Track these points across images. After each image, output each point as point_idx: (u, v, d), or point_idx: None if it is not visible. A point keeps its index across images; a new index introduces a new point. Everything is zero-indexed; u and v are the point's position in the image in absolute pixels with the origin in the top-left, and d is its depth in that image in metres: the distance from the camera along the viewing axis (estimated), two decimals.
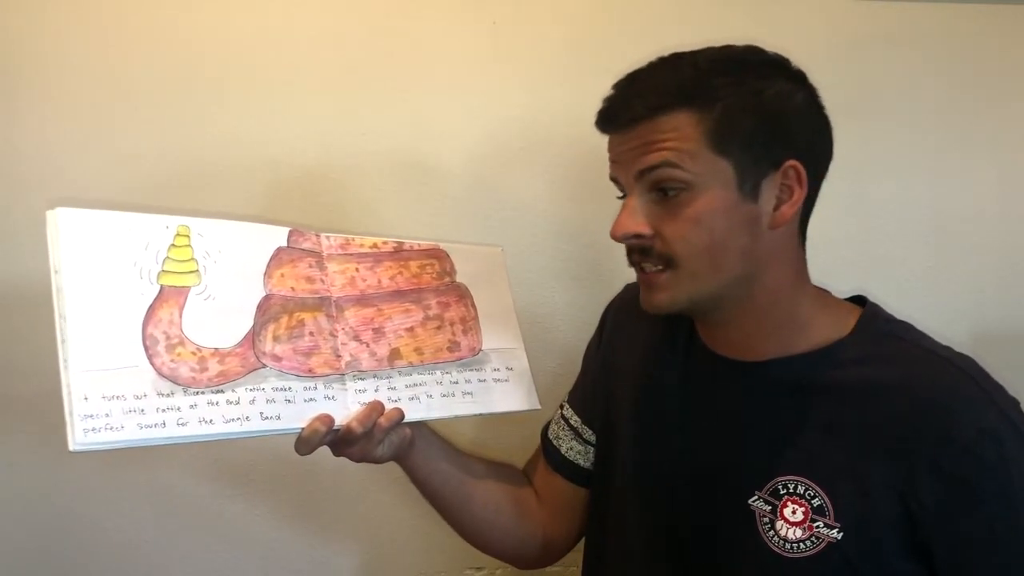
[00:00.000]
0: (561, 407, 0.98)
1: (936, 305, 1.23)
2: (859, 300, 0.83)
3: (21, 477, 1.13)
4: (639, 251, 0.77)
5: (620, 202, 0.82)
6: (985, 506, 0.69)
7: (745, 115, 0.73)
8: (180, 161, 1.11)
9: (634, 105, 0.75)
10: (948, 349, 0.76)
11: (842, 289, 0.85)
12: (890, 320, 0.80)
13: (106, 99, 1.09)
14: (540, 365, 0.90)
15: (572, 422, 0.96)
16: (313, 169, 1.13)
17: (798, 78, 0.78)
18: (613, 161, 0.79)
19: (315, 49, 1.12)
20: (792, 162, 0.75)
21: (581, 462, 0.95)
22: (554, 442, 0.96)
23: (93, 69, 1.09)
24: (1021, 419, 0.72)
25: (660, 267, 0.76)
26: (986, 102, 1.20)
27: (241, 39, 1.11)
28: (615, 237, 0.77)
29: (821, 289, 0.83)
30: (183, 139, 1.11)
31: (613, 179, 0.80)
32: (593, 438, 0.94)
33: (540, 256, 1.18)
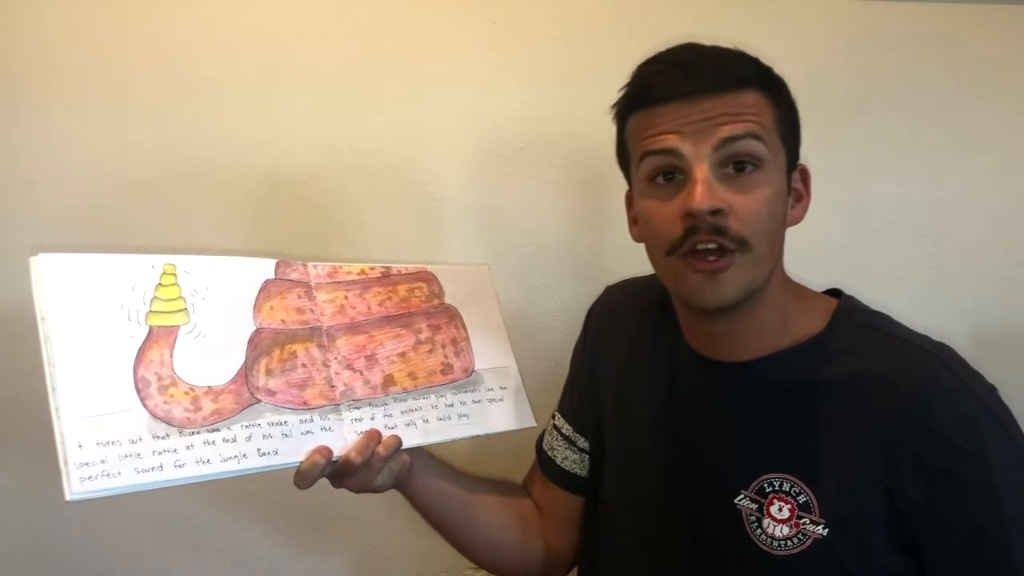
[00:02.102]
0: (553, 417, 0.98)
1: (936, 305, 1.22)
2: (835, 293, 0.83)
3: (22, 475, 1.13)
4: (712, 230, 0.70)
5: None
6: (968, 496, 0.70)
7: (791, 113, 0.76)
8: (178, 162, 1.11)
9: (710, 74, 0.72)
10: (925, 338, 0.76)
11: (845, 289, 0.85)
12: (867, 312, 0.80)
13: (106, 99, 1.09)
14: (532, 368, 0.91)
15: (564, 431, 0.96)
16: (311, 169, 1.13)
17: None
18: (672, 133, 0.72)
19: (314, 49, 1.12)
20: (803, 165, 0.78)
21: (577, 471, 0.95)
22: (549, 453, 0.97)
23: (93, 69, 1.09)
24: (999, 406, 0.73)
25: (734, 248, 0.71)
26: (986, 102, 1.19)
27: (241, 39, 1.11)
28: (699, 210, 0.70)
29: (796, 283, 0.83)
30: (181, 140, 1.11)
31: (663, 151, 0.72)
32: (587, 445, 0.94)
33: (539, 255, 1.18)
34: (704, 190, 0.70)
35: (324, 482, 1.16)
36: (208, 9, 1.09)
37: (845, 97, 1.16)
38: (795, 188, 0.77)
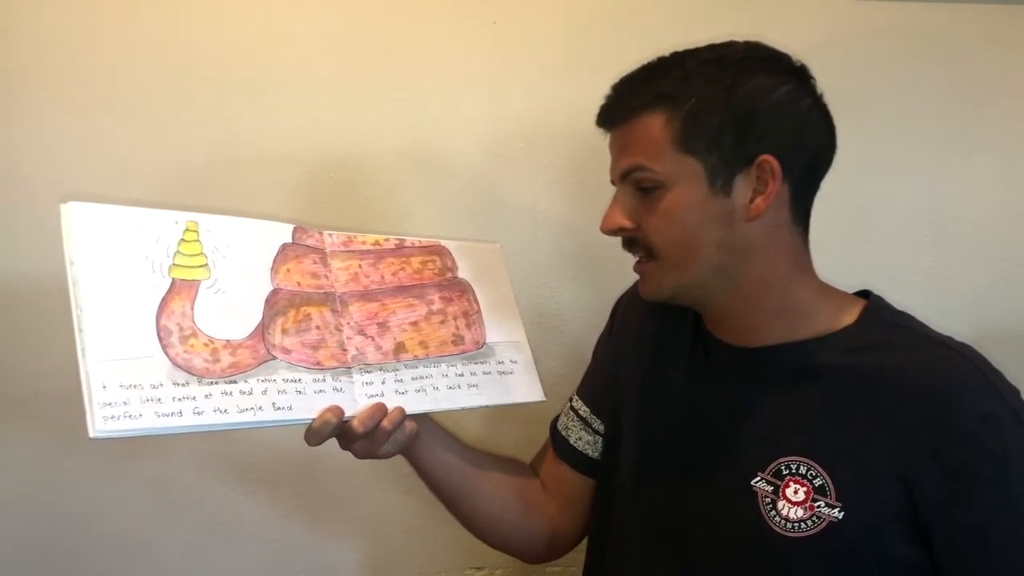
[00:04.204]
0: (570, 399, 1.00)
1: (936, 305, 1.21)
2: (864, 295, 0.84)
3: (22, 475, 1.14)
4: (626, 242, 0.83)
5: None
6: (985, 493, 0.70)
7: (713, 114, 0.76)
8: (179, 161, 1.12)
9: (616, 109, 0.81)
10: (950, 339, 0.78)
11: (842, 288, 0.85)
12: (896, 311, 0.82)
13: (106, 99, 1.10)
14: (543, 366, 0.93)
15: (581, 412, 0.97)
16: (314, 168, 1.14)
17: (789, 73, 0.80)
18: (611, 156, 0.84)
19: (316, 48, 1.13)
20: (765, 157, 0.76)
21: (590, 452, 0.96)
22: (563, 432, 0.98)
23: (93, 69, 1.10)
24: (1022, 406, 0.73)
25: (644, 256, 0.82)
26: (986, 102, 1.20)
27: (241, 39, 1.12)
28: (602, 230, 0.83)
29: (821, 281, 0.84)
30: (182, 139, 1.12)
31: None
32: (602, 428, 0.95)
33: (541, 255, 1.19)
34: (609, 213, 0.82)
35: (330, 485, 1.19)
36: (209, 10, 1.11)
37: (845, 96, 1.16)
38: (761, 179, 0.77)
